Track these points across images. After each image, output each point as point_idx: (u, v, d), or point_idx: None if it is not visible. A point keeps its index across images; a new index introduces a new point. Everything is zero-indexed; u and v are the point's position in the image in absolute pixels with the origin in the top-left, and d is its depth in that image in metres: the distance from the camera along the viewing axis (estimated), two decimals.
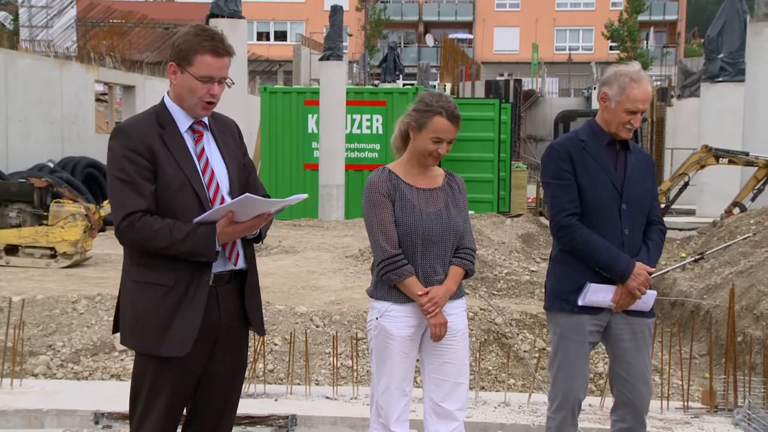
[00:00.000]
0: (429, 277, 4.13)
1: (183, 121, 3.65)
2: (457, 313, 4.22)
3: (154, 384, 3.60)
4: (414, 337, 4.18)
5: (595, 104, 4.42)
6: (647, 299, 4.33)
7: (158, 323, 3.54)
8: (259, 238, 3.77)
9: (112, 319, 7.78)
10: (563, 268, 4.38)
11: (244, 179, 3.79)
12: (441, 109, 4.13)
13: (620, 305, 4.28)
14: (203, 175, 3.62)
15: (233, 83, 3.75)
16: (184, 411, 3.79)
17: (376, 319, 4.17)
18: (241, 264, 3.72)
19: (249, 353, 6.64)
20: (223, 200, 3.63)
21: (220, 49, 3.58)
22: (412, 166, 4.23)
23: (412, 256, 4.12)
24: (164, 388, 3.59)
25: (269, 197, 3.82)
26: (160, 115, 3.64)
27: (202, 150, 3.67)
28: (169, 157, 3.55)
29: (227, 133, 3.81)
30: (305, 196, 3.94)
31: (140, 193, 3.50)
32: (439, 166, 4.35)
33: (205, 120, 3.71)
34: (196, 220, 3.51)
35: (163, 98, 3.71)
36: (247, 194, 3.52)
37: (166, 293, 3.54)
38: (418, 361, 4.31)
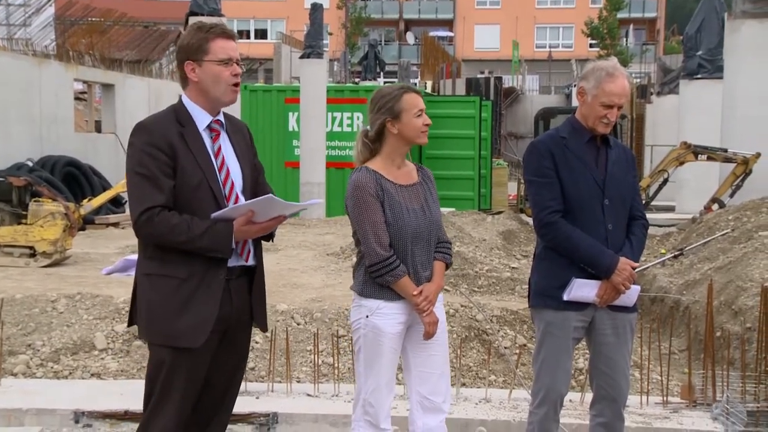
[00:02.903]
0: (418, 274, 4.18)
1: (201, 120, 3.75)
2: (438, 307, 4.28)
3: (169, 374, 3.68)
4: (402, 333, 4.22)
5: (576, 101, 4.46)
6: (631, 294, 4.36)
7: (172, 314, 3.63)
8: (270, 237, 3.89)
9: (92, 318, 7.81)
10: (548, 264, 4.40)
11: (254, 179, 3.91)
12: (404, 88, 4.25)
13: (604, 300, 4.31)
14: (219, 173, 3.73)
15: (244, 66, 3.88)
16: None
17: (366, 317, 4.18)
18: (251, 261, 3.84)
19: None
20: (237, 198, 3.75)
21: (227, 31, 3.76)
22: (391, 163, 4.25)
23: (403, 254, 4.16)
24: (179, 378, 3.68)
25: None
26: (179, 113, 3.75)
27: (219, 149, 3.77)
28: (188, 155, 3.66)
29: (239, 134, 3.91)
30: (321, 201, 4.04)
31: (159, 188, 3.59)
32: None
33: (222, 119, 3.81)
34: (214, 215, 3.62)
35: (180, 98, 3.81)
36: (270, 195, 3.67)
37: (180, 285, 3.63)
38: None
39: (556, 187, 4.31)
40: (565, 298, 4.30)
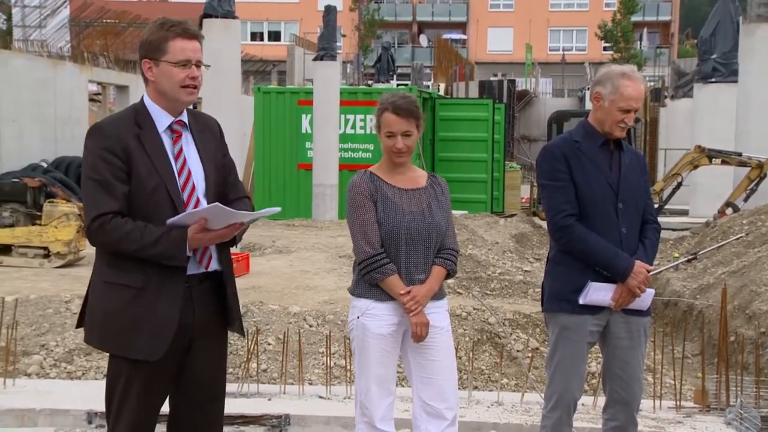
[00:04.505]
0: (412, 276, 4.16)
1: (162, 121, 3.61)
2: (439, 312, 4.25)
3: (127, 385, 3.57)
4: (395, 335, 4.20)
5: (589, 105, 4.46)
6: (645, 298, 4.35)
7: (129, 325, 3.51)
8: (234, 241, 3.72)
9: None
10: (563, 269, 4.38)
11: (223, 179, 3.76)
12: (388, 104, 4.19)
13: (620, 304, 4.30)
14: (179, 177, 3.58)
15: (209, 66, 3.72)
16: (166, 410, 3.77)
17: (358, 318, 4.19)
18: (214, 266, 3.68)
19: (243, 353, 6.66)
20: (198, 202, 3.61)
21: (189, 31, 3.58)
22: (392, 167, 4.27)
23: (396, 255, 4.15)
24: (137, 389, 3.57)
25: (249, 198, 3.83)
26: (139, 113, 3.61)
27: (180, 150, 3.63)
28: (144, 158, 3.52)
29: (207, 133, 3.77)
30: (278, 209, 3.93)
31: (113, 195, 3.47)
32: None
33: (185, 119, 3.68)
34: (170, 221, 3.49)
35: (142, 97, 3.67)
36: (216, 203, 3.49)
37: (137, 295, 3.51)
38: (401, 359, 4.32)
39: (570, 191, 4.30)
40: (581, 301, 4.29)
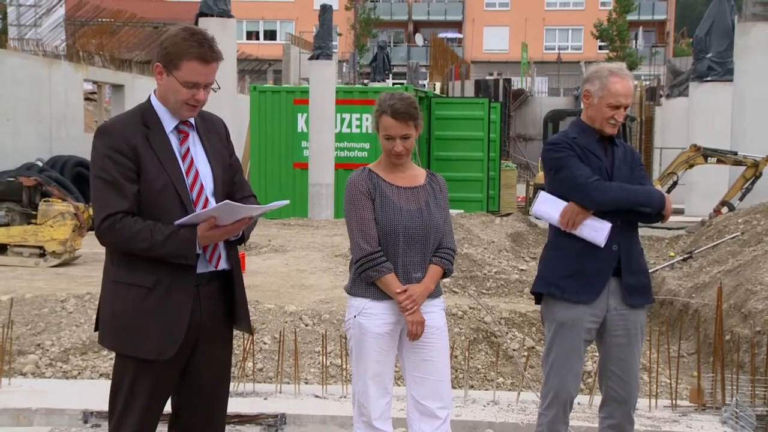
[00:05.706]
0: (409, 275, 4.16)
1: (169, 121, 3.61)
2: (435, 311, 4.25)
3: (133, 385, 3.57)
4: (392, 334, 4.20)
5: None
6: (601, 230, 4.29)
7: (138, 325, 3.51)
8: (242, 239, 3.74)
9: None
10: (556, 253, 4.41)
11: (230, 179, 3.76)
12: (387, 107, 4.18)
13: (566, 221, 4.29)
14: (187, 176, 3.59)
15: (219, 87, 3.68)
16: (168, 408, 3.76)
17: (354, 317, 4.20)
18: (222, 265, 3.69)
19: (239, 352, 6.66)
20: (207, 201, 3.61)
21: (208, 55, 3.53)
22: (392, 165, 4.27)
23: (393, 253, 4.15)
24: (143, 389, 3.57)
25: (255, 197, 3.82)
26: (145, 114, 3.60)
27: (187, 150, 3.63)
28: (153, 158, 3.52)
29: (214, 133, 3.77)
30: (287, 202, 3.92)
31: (122, 194, 3.47)
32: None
33: (192, 120, 3.68)
34: (177, 222, 3.49)
35: (149, 97, 3.67)
36: (226, 201, 3.50)
37: (146, 295, 3.51)
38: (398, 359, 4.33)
39: (583, 165, 4.32)
40: (531, 211, 4.36)
